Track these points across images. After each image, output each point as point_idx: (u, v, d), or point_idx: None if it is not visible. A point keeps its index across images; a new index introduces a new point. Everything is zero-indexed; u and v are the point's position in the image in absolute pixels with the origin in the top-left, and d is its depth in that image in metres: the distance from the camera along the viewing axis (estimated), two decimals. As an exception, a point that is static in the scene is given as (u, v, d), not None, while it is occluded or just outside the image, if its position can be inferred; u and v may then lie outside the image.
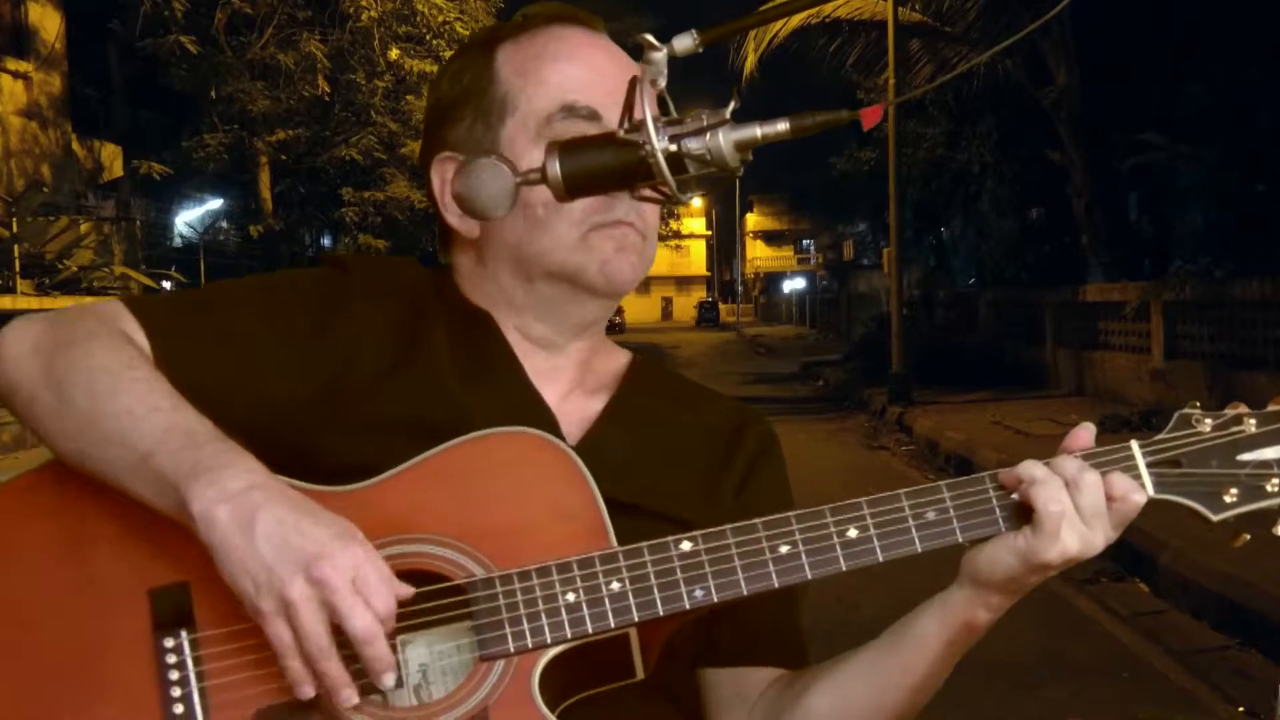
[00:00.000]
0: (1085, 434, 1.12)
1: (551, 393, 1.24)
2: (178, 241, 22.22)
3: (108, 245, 15.73)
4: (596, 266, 1.20)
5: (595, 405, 1.26)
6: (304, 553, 0.96)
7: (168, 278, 16.68)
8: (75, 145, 17.86)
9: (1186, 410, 1.13)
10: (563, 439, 1.17)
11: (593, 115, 1.19)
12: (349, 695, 0.98)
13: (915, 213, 21.88)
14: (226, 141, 17.76)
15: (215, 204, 23.75)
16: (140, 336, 1.13)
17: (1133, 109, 14.71)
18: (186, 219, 23.37)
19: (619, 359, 1.34)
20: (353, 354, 1.17)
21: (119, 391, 1.06)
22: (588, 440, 1.22)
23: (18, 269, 12.43)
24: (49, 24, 16.79)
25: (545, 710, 1.03)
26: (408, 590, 1.00)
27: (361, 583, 0.96)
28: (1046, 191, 17.59)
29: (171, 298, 1.22)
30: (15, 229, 12.68)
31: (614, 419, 1.25)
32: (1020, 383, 15.72)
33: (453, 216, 1.25)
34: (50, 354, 1.10)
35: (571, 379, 1.27)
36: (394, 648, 1.01)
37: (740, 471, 1.28)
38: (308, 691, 0.98)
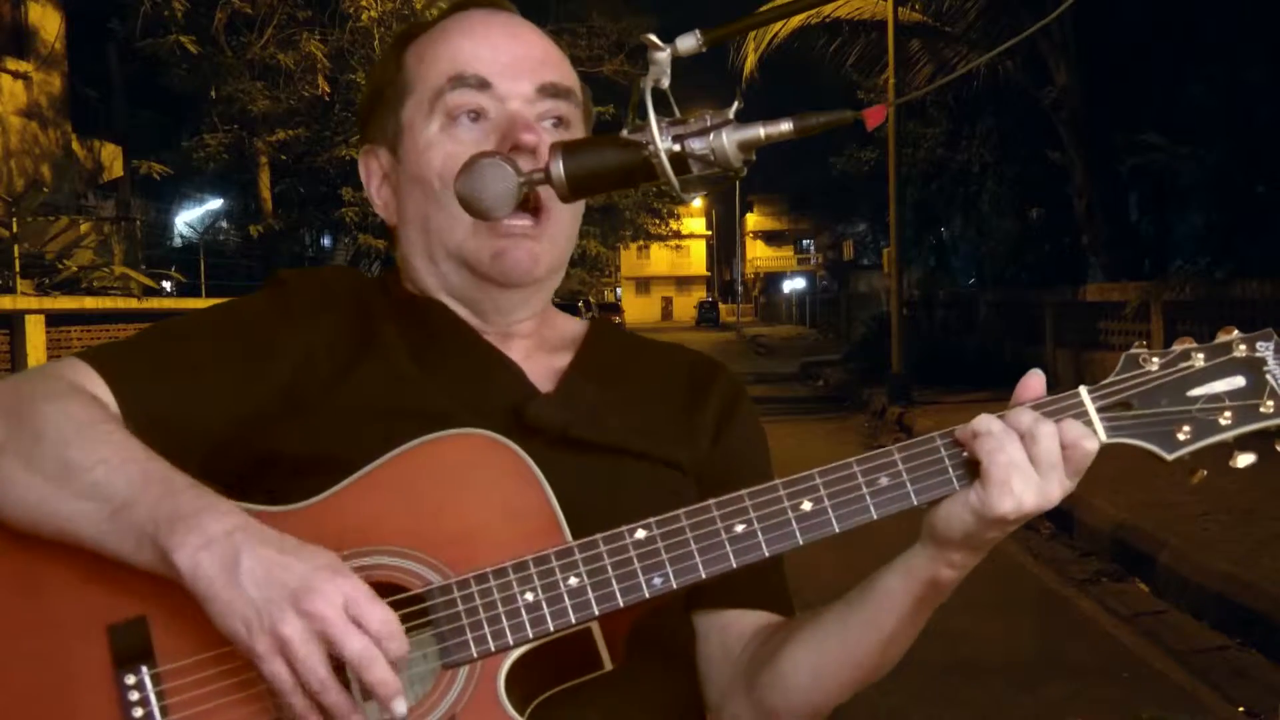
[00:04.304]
0: (1036, 381, 1.08)
1: (511, 355, 1.26)
2: (178, 241, 22.19)
3: (108, 245, 15.73)
4: (489, 255, 1.21)
5: (561, 361, 1.28)
6: (291, 588, 0.95)
7: (168, 278, 16.67)
8: (75, 145, 17.86)
9: (1134, 350, 1.09)
10: (533, 390, 1.21)
11: (482, 84, 1.21)
12: None
13: (915, 213, 21.85)
14: (226, 141, 17.76)
15: (215, 204, 23.74)
16: (100, 388, 1.12)
17: (1133, 109, 14.72)
18: (186, 219, 23.36)
19: (575, 325, 1.36)
20: (307, 360, 1.18)
21: (93, 443, 1.03)
22: (561, 390, 1.24)
23: (18, 269, 12.42)
24: (49, 24, 16.79)
25: (513, 712, 1.02)
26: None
27: (354, 607, 0.95)
28: (1046, 191, 17.59)
29: (125, 343, 1.21)
30: (15, 229, 12.66)
31: (583, 370, 1.27)
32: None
33: (377, 206, 1.30)
34: (14, 413, 1.08)
35: (527, 345, 1.29)
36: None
37: (714, 417, 1.29)
38: None
